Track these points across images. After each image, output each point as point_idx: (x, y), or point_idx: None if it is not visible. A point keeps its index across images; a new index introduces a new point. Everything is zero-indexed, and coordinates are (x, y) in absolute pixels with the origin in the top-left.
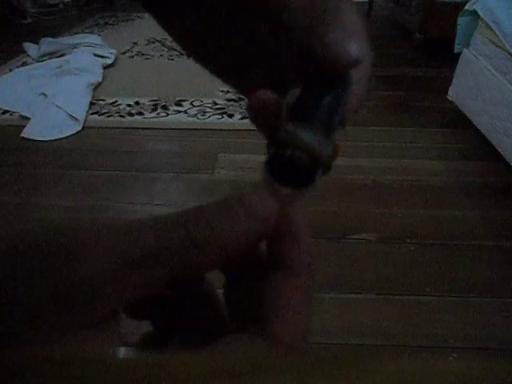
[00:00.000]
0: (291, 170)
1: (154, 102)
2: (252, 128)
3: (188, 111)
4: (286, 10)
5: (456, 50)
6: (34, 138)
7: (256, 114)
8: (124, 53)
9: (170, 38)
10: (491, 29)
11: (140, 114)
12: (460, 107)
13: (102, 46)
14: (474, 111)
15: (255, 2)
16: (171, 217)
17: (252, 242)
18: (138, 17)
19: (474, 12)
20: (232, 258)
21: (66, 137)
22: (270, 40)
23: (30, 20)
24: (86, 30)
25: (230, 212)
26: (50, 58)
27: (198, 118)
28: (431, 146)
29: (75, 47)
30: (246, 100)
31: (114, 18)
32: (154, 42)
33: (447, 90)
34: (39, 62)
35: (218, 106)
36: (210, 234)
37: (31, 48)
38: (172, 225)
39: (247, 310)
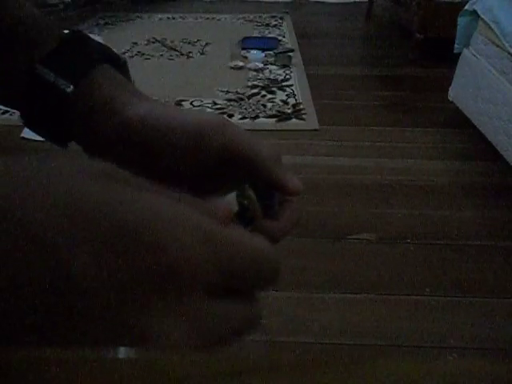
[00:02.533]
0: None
1: None
2: (251, 128)
3: None
4: (258, 159)
5: (456, 50)
6: (34, 138)
7: None
8: (124, 53)
9: (169, 38)
10: (491, 29)
11: None
12: (460, 107)
13: None
14: (474, 111)
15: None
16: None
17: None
18: (138, 17)
19: (474, 12)
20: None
21: None
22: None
23: None
24: (86, 30)
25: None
26: None
27: None
28: (431, 146)
29: None
30: None
31: (113, 18)
32: (154, 42)
33: (447, 90)
34: None
35: (218, 106)
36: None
37: None
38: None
39: None
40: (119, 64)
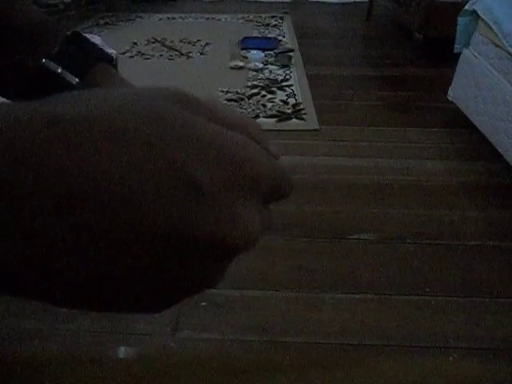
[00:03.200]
0: None
1: None
2: None
3: None
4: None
5: (456, 50)
6: None
7: None
8: (124, 53)
9: (169, 38)
10: (491, 29)
11: None
12: (460, 107)
13: (102, 45)
14: (474, 111)
15: None
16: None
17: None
18: (138, 17)
19: (474, 12)
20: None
21: None
22: None
23: None
24: (86, 30)
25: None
26: None
27: None
28: (431, 145)
29: None
30: None
31: (113, 18)
32: (153, 42)
33: (447, 90)
34: None
35: None
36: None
37: None
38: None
39: None
40: (112, 63)
